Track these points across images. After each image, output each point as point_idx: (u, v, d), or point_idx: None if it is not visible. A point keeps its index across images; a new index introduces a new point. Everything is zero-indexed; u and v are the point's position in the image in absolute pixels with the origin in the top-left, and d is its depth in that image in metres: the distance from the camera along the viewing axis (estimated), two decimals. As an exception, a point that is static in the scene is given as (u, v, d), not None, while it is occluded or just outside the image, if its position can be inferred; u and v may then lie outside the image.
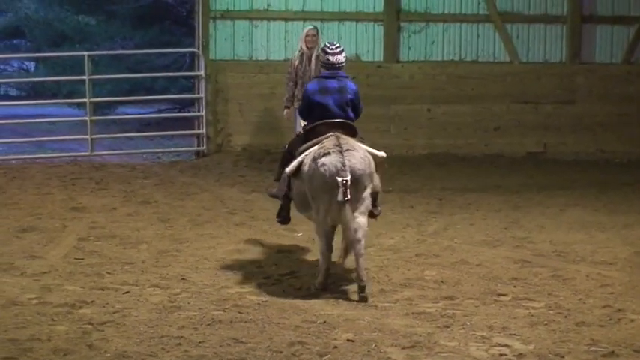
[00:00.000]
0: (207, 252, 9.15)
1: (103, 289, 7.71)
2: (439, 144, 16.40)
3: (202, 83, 15.88)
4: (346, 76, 8.50)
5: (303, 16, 16.38)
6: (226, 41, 16.32)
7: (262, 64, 16.26)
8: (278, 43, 16.42)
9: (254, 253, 9.17)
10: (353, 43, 16.56)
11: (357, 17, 16.52)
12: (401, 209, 11.52)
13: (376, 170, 8.21)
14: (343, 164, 7.70)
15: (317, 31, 13.21)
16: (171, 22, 23.06)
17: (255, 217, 10.95)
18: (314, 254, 9.11)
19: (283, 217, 8.76)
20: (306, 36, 13.08)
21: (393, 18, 16.51)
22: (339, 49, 8.48)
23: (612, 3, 16.71)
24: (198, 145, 16.02)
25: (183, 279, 8.12)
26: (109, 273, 8.26)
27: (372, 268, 8.56)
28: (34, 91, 24.98)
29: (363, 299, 7.64)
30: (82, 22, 23.74)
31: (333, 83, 8.35)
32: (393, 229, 10.34)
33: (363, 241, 7.83)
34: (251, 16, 16.35)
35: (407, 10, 16.57)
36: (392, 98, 16.41)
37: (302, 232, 10.12)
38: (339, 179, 7.63)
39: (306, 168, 7.99)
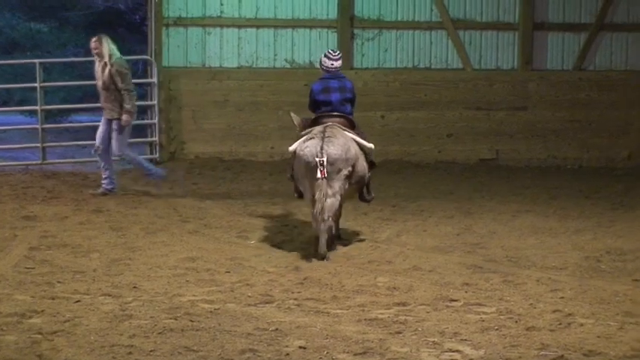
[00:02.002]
0: (159, 260, 9.12)
1: (53, 299, 7.65)
2: (393, 150, 16.48)
3: (155, 90, 15.84)
4: (344, 76, 10.11)
5: (257, 23, 16.44)
6: (179, 48, 16.30)
7: (215, 71, 16.26)
8: (231, 50, 16.43)
9: (207, 261, 9.14)
10: (307, 50, 16.62)
11: (311, 24, 16.58)
12: (354, 216, 11.53)
13: (366, 159, 9.81)
14: (321, 148, 9.22)
15: (100, 40, 12.64)
16: (124, 29, 22.95)
17: (208, 225, 10.93)
18: (267, 262, 9.13)
19: (299, 193, 10.02)
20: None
21: (347, 25, 16.59)
22: (338, 56, 10.10)
23: (563, 10, 16.91)
24: (151, 153, 15.97)
25: (135, 287, 8.08)
26: (59, 282, 8.20)
27: (325, 276, 8.58)
28: (-14, 99, 24.74)
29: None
30: (33, 29, 23.56)
31: (334, 83, 9.94)
32: (345, 235, 10.36)
33: (329, 220, 9.23)
34: (204, 23, 16.36)
35: (360, 17, 16.66)
36: (345, 105, 16.43)
37: (255, 240, 10.14)
38: (317, 159, 9.12)
39: (297, 150, 9.49)
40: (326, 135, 9.38)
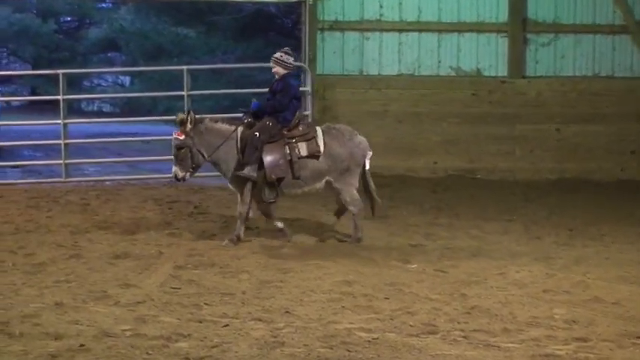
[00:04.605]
0: (313, 283, 9.16)
1: (200, 322, 7.77)
2: (569, 168, 16.21)
3: (309, 100, 15.97)
4: None
5: (419, 27, 16.43)
6: (335, 54, 16.43)
7: (374, 80, 16.31)
8: (391, 57, 16.47)
9: (364, 285, 9.14)
10: (474, 57, 16.53)
11: (479, 28, 16.47)
12: (526, 240, 11.38)
13: None
14: (367, 142, 11.07)
15: None
16: (275, 34, 23.31)
17: (365, 247, 10.94)
18: (430, 288, 9.06)
19: (276, 194, 11.01)
20: None
21: (519, 29, 16.42)
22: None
23: None
24: (304, 167, 16.10)
25: (287, 312, 8.13)
26: (207, 304, 8.32)
27: (495, 305, 8.46)
28: (129, 108, 25.50)
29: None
30: (180, 34, 24.16)
31: (296, 80, 11.61)
32: (518, 262, 10.22)
33: None
34: (362, 27, 16.44)
35: (534, 20, 16.46)
36: (517, 117, 16.29)
37: (416, 264, 10.09)
38: (370, 153, 11.01)
39: (337, 147, 10.91)
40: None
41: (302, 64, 16.31)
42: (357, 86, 16.29)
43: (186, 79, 15.58)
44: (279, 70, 11.10)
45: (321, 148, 10.93)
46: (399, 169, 16.22)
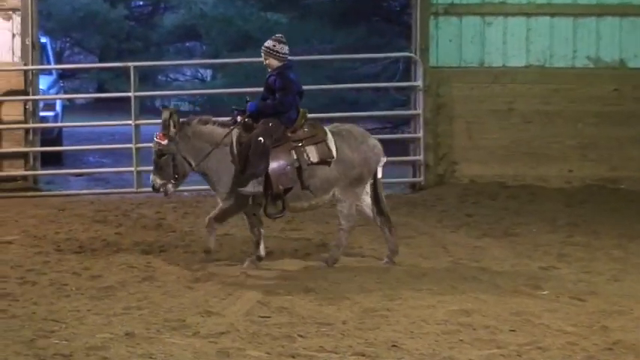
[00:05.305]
0: (425, 312, 9.14)
1: (293, 357, 7.81)
2: None
3: (420, 96, 15.98)
4: None
5: (551, 11, 16.33)
6: (451, 43, 16.40)
7: (497, 72, 16.24)
8: (518, 45, 16.40)
9: (485, 315, 9.10)
10: (616, 45, 16.38)
11: (622, 11, 16.33)
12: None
13: None
14: (380, 146, 11.17)
15: None
16: (380, 20, 23.33)
17: (486, 269, 10.90)
18: (564, 319, 8.98)
19: (282, 208, 10.91)
20: None
21: (671, 11, 16.22)
22: None
23: None
24: (414, 176, 16.11)
25: (394, 346, 8.13)
26: (301, 336, 8.36)
27: (631, 340, 8.34)
28: (211, 106, 25.68)
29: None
30: (270, 20, 24.29)
31: (294, 74, 11.29)
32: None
33: None
34: (483, 10, 16.39)
35: (690, 0, 16.26)
36: (668, 118, 16.08)
37: (548, 291, 10.02)
38: (384, 159, 11.07)
39: (348, 151, 10.87)
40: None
41: (412, 55, 16.31)
42: (478, 80, 16.23)
43: (276, 72, 15.67)
44: (272, 63, 11.08)
45: (334, 153, 10.82)
46: (526, 178, 16.13)
